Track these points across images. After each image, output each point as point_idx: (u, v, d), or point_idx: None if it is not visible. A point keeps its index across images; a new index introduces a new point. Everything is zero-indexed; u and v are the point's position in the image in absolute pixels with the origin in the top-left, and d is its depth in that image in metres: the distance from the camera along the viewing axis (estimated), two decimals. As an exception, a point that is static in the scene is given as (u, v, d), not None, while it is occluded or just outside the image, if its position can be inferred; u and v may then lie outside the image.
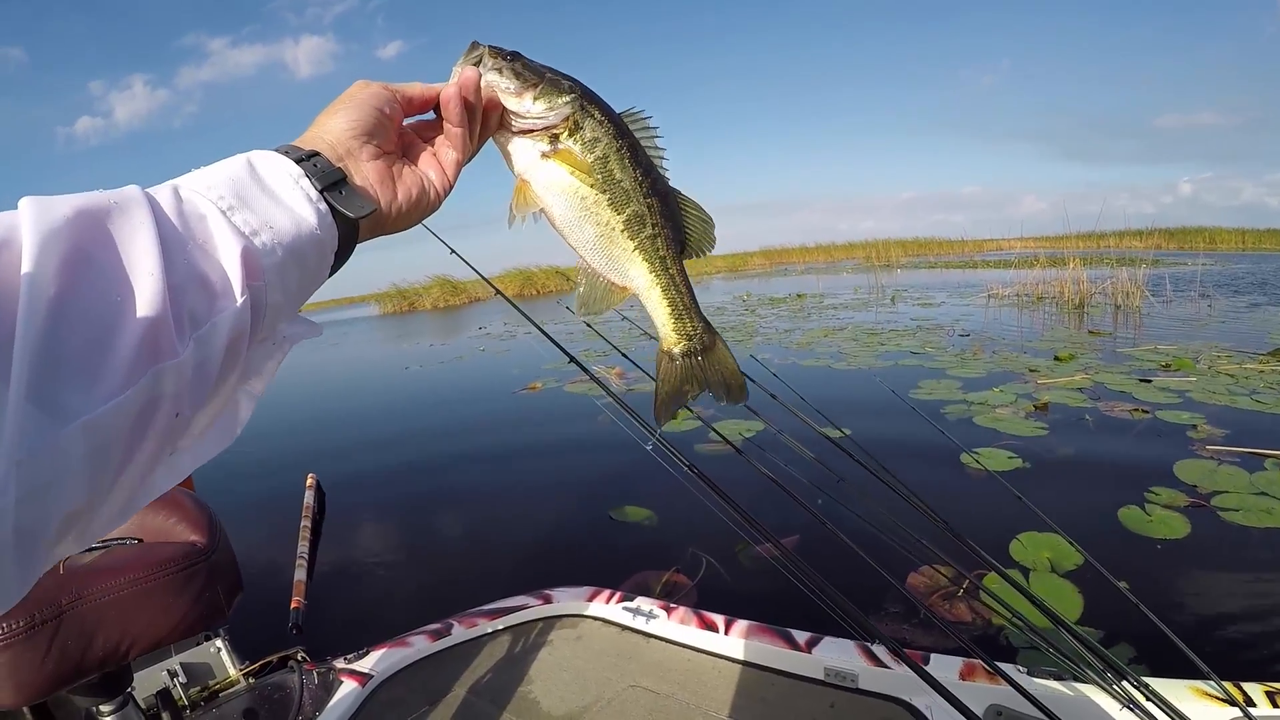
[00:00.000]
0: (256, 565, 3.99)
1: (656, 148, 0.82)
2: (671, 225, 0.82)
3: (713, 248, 0.85)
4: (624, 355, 2.05)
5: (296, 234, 0.59)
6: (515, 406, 7.97)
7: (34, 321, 0.41)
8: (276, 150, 0.63)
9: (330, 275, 0.66)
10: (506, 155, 0.80)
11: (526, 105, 0.76)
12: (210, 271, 0.52)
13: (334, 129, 0.67)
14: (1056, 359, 7.74)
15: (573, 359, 1.83)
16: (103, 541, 1.16)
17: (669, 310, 0.84)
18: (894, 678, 1.91)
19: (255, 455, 6.85)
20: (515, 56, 0.76)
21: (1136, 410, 5.57)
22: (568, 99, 0.76)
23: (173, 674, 2.26)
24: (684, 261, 0.85)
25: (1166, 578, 3.14)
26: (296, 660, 2.53)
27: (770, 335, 11.34)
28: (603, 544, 4.18)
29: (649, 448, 1.56)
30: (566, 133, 0.77)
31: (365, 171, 0.67)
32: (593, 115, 0.78)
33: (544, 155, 0.78)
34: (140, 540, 1.16)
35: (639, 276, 0.83)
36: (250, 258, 0.54)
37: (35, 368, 0.41)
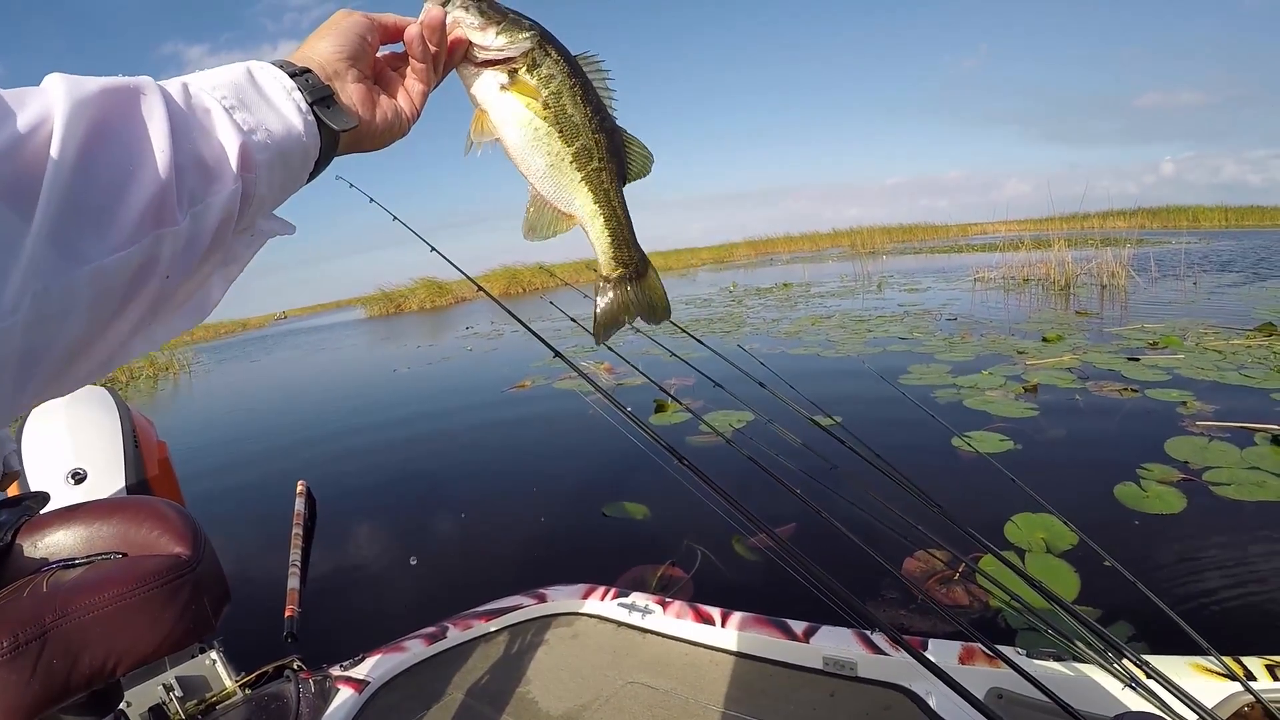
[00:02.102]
0: (249, 575, 3.97)
1: (608, 89, 0.88)
2: (616, 161, 0.88)
3: (646, 175, 0.93)
4: (610, 350, 2.02)
5: (286, 137, 0.66)
6: (505, 405, 7.94)
7: (60, 174, 0.47)
8: (271, 63, 0.70)
9: (308, 181, 0.73)
10: (468, 85, 0.86)
11: (489, 39, 0.82)
12: (210, 157, 0.59)
13: (322, 51, 0.74)
14: (1044, 340, 7.75)
15: (558, 354, 1.82)
16: (85, 557, 1.13)
17: (610, 239, 0.91)
18: (893, 664, 1.90)
19: (245, 464, 6.81)
20: None
21: (1125, 389, 5.58)
22: (528, 35, 0.82)
23: (168, 688, 2.24)
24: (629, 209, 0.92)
25: (1161, 555, 3.14)
26: (292, 669, 2.52)
27: (758, 325, 11.33)
28: (597, 540, 4.16)
29: (638, 441, 1.55)
30: (525, 68, 0.83)
31: (349, 92, 0.75)
32: (550, 53, 0.83)
33: (503, 87, 0.84)
34: (124, 555, 1.13)
35: (584, 206, 0.89)
36: (246, 151, 0.61)
37: (58, 214, 0.47)
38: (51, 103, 0.49)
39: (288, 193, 0.70)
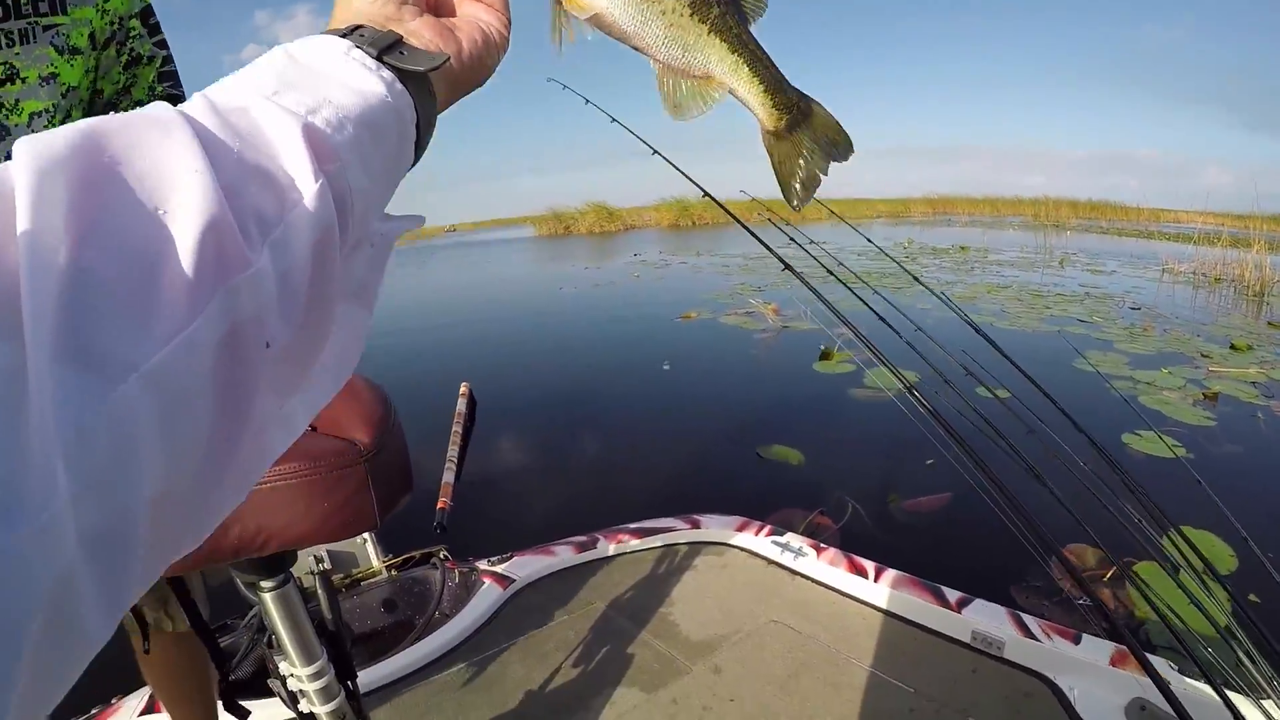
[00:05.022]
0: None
1: None
2: (733, 1, 0.74)
3: (763, 13, 0.77)
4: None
5: (364, 105, 0.47)
6: (670, 333, 7.97)
7: (44, 260, 0.30)
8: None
9: (416, 159, 0.55)
10: None
11: None
12: (268, 161, 0.40)
13: (360, 3, 0.55)
14: (1233, 347, 7.09)
15: (787, 266, 1.70)
16: None
17: (761, 85, 0.76)
18: (1041, 651, 1.82)
19: (411, 362, 7.12)
20: None
21: (1314, 417, 5.05)
22: None
23: (318, 559, 2.36)
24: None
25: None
26: (439, 558, 2.61)
27: (931, 286, 10.88)
28: (748, 479, 4.15)
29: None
30: None
31: (415, 29, 0.56)
32: None
33: None
34: (314, 429, 1.12)
35: (720, 60, 0.75)
36: (315, 136, 0.42)
37: (60, 318, 0.29)
38: (8, 178, 0.31)
39: (395, 177, 0.53)
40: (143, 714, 1.97)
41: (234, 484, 0.41)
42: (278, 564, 1.13)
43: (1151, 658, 1.60)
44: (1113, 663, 1.70)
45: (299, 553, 2.08)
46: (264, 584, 1.14)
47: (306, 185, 0.41)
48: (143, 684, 1.99)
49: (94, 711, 2.00)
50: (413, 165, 0.55)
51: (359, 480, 1.00)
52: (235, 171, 0.38)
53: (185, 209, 0.34)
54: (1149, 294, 11.06)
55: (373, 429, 1.04)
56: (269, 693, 1.97)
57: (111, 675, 1.99)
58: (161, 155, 0.36)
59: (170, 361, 0.32)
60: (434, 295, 13.87)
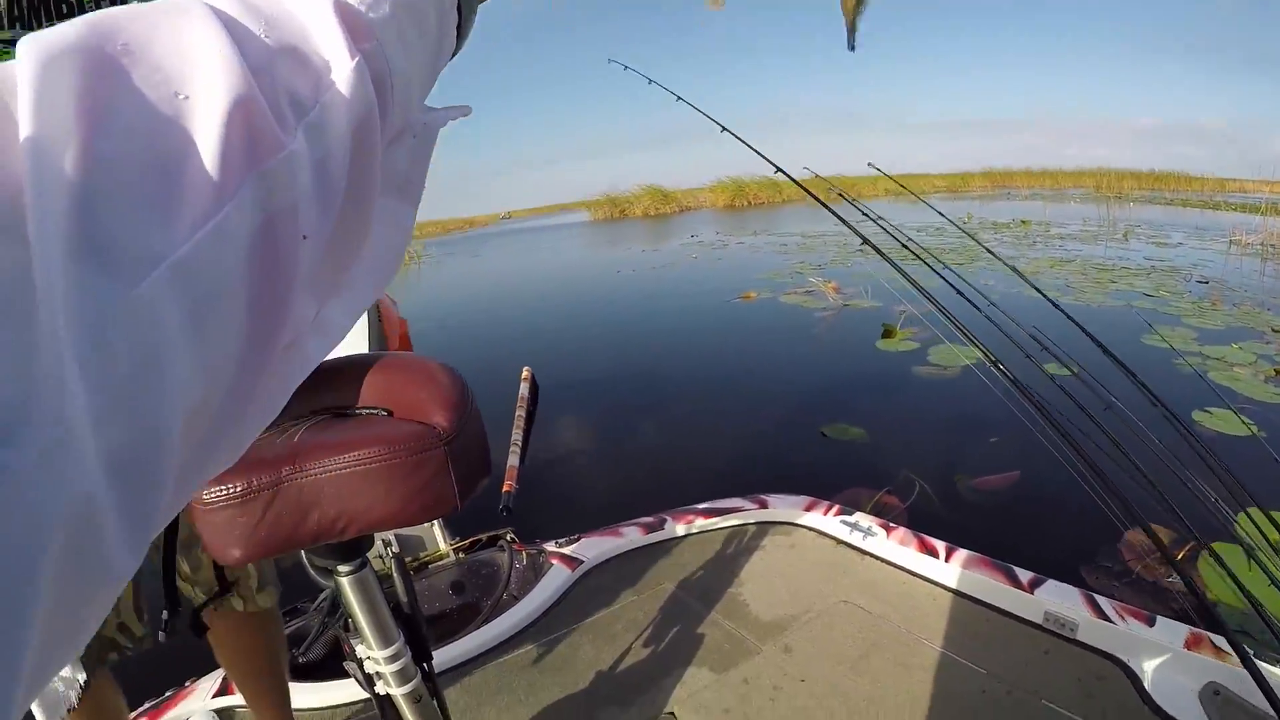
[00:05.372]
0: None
1: None
2: None
3: None
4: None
5: None
6: (728, 314, 7.94)
7: (52, 151, 0.26)
8: None
9: (458, 48, 0.51)
10: None
11: None
12: (299, 40, 0.35)
13: None
14: None
15: (866, 240, 1.68)
16: (354, 408, 1.15)
17: None
18: (1115, 633, 1.77)
19: (473, 348, 7.19)
20: None
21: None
22: None
23: (386, 543, 2.40)
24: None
25: None
26: (506, 541, 2.63)
27: (992, 261, 10.63)
28: (812, 458, 4.13)
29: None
30: None
31: None
32: None
33: None
34: (390, 413, 1.13)
35: None
36: (348, 12, 0.37)
37: (73, 212, 0.26)
38: (10, 73, 0.27)
39: (437, 63, 0.48)
40: (216, 695, 2.01)
41: (269, 398, 0.37)
42: (354, 549, 1.15)
43: (1227, 644, 1.57)
44: (1187, 645, 1.65)
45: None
46: (341, 568, 1.15)
47: (342, 64, 0.36)
48: (216, 666, 2.02)
49: (168, 694, 2.04)
50: (454, 54, 0.51)
51: (439, 463, 0.99)
52: (263, 52, 0.34)
53: (210, 90, 0.30)
54: (1216, 267, 10.69)
55: (451, 413, 1.04)
56: (341, 674, 2.02)
57: (188, 660, 2.04)
58: (181, 39, 0.31)
59: (199, 253, 0.29)
60: (490, 283, 13.98)
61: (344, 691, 2.00)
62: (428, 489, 0.99)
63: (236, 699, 1.99)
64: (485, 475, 1.10)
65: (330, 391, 1.15)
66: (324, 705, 1.99)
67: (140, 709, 2.00)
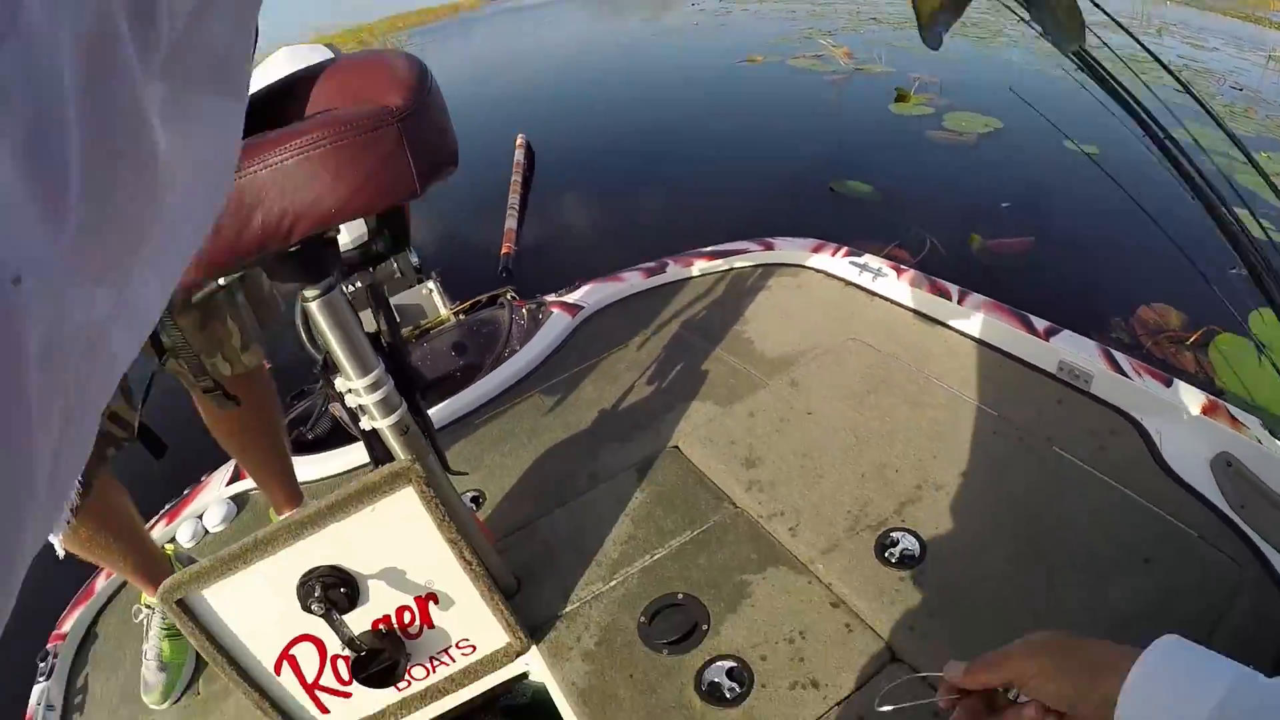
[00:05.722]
0: (465, 219, 4.11)
1: None
2: None
3: None
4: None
5: None
6: (734, 76, 7.59)
7: None
8: None
9: None
10: None
11: None
12: None
13: None
14: None
15: None
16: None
17: None
18: (1130, 389, 1.69)
19: (466, 119, 6.92)
20: None
21: None
22: None
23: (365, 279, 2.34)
24: None
25: None
26: (506, 299, 2.58)
27: (1016, 37, 10.11)
28: (820, 211, 4.06)
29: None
30: None
31: None
32: None
33: None
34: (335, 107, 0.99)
35: None
36: None
37: None
38: None
39: None
40: (230, 483, 2.04)
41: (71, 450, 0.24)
42: (316, 265, 1.05)
43: (1244, 415, 1.52)
44: (1204, 411, 1.58)
45: (365, 312, 2.02)
46: (307, 293, 1.06)
47: None
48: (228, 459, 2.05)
49: (186, 492, 2.07)
50: None
51: (393, 141, 0.87)
52: None
53: None
54: (1253, 78, 10.05)
55: (407, 92, 0.90)
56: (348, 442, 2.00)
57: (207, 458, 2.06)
58: None
59: None
60: (483, 65, 13.37)
61: (347, 458, 2.00)
62: (382, 171, 0.87)
63: (249, 483, 2.01)
64: (451, 165, 0.96)
65: (283, 112, 0.99)
66: (327, 475, 2.00)
67: (161, 510, 2.03)
